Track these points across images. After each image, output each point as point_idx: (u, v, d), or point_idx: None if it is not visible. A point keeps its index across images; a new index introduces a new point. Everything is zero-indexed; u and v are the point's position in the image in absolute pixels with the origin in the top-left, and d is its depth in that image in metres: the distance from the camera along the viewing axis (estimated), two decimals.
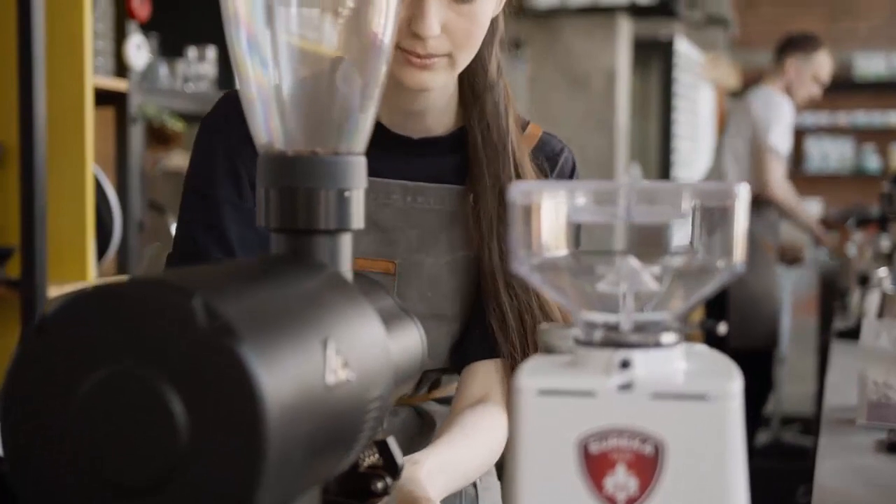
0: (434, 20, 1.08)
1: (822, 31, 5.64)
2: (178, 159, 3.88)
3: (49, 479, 0.52)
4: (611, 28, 4.86)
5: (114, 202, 2.85)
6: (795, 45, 4.18)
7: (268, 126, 0.66)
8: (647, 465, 0.58)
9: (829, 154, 7.64)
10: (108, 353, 0.51)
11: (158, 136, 3.89)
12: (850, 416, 1.58)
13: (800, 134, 7.08)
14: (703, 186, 0.63)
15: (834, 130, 7.63)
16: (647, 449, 0.58)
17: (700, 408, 0.58)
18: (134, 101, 2.98)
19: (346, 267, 0.67)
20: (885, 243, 3.19)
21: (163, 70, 3.22)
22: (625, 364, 0.59)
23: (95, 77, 2.72)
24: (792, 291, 4.95)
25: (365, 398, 0.61)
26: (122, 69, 2.97)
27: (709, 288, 0.62)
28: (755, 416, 4.25)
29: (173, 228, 1.97)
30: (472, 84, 1.23)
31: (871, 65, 7.46)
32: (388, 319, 0.68)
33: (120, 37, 2.97)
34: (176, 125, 3.17)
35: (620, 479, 0.58)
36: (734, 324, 3.79)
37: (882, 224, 3.52)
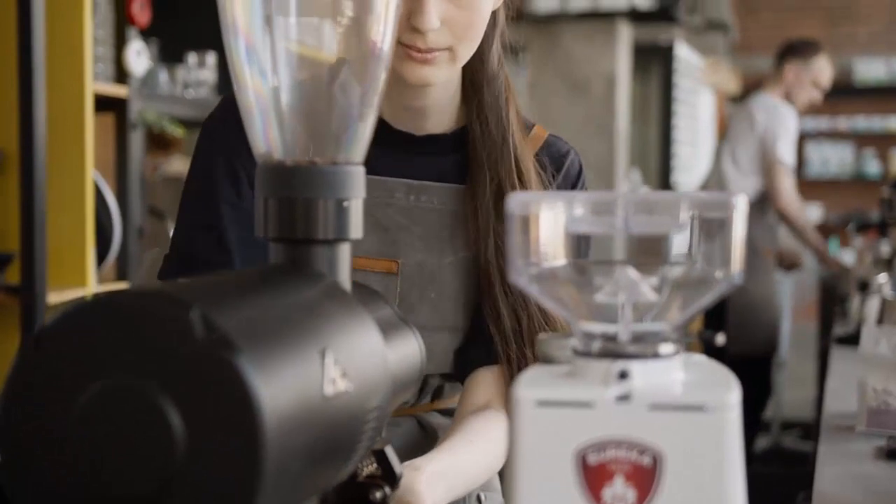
0: (433, 14, 1.08)
1: (822, 37, 5.65)
2: (178, 165, 3.88)
3: (47, 489, 0.52)
4: (611, 33, 4.87)
5: (114, 208, 2.85)
6: (795, 50, 4.18)
7: (266, 135, 0.66)
8: (646, 477, 0.58)
9: (829, 159, 7.64)
10: (106, 364, 0.51)
11: (158, 142, 3.89)
12: (850, 423, 1.58)
13: (800, 139, 7.04)
14: (701, 197, 0.63)
15: (834, 135, 7.62)
16: (646, 460, 0.58)
17: (698, 419, 0.57)
18: (134, 107, 2.98)
19: (344, 277, 0.67)
20: (885, 248, 3.18)
21: (163, 76, 3.22)
22: (623, 375, 0.59)
23: (95, 83, 2.73)
24: (792, 297, 4.95)
25: (363, 408, 0.61)
26: (122, 75, 2.97)
27: (707, 298, 0.62)
28: (754, 421, 4.25)
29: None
30: (472, 78, 1.21)
31: (870, 70, 7.46)
32: (387, 329, 0.68)
33: (120, 43, 2.98)
34: (176, 131, 3.17)
35: (619, 491, 0.58)
36: (733, 330, 3.78)
37: (882, 229, 3.52)
